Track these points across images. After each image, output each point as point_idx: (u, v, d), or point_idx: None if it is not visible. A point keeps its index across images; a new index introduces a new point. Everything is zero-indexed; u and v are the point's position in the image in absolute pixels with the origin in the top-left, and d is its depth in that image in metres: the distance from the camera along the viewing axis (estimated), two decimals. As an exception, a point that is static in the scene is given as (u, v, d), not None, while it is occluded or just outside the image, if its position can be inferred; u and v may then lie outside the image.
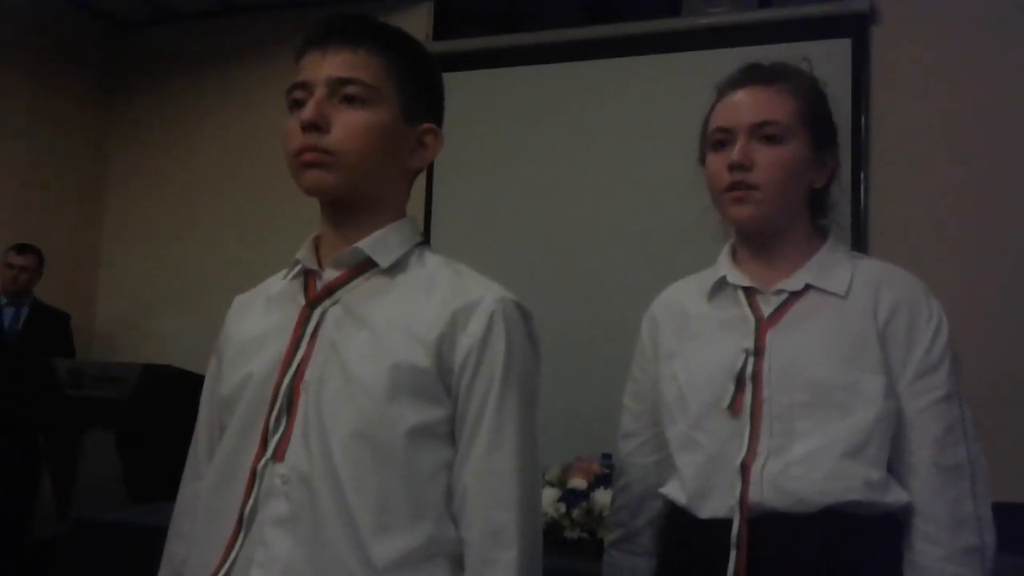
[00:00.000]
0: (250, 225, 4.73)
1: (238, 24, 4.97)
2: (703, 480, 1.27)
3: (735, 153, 1.29)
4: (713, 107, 1.38)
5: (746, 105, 1.31)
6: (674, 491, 1.32)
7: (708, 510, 1.26)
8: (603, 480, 2.39)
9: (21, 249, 4.27)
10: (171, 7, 5.01)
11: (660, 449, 1.41)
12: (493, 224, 3.86)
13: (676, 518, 1.33)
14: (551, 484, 2.41)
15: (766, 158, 1.29)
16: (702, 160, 1.39)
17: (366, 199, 1.11)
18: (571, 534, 2.29)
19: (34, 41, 4.87)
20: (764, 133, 1.29)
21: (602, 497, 2.33)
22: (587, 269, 3.73)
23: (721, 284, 1.37)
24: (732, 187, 1.30)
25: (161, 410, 3.12)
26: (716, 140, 1.34)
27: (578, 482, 2.41)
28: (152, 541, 2.31)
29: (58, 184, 5.01)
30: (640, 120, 3.74)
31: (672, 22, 3.87)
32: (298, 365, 1.07)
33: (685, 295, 1.43)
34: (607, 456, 2.52)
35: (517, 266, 3.48)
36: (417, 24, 4.19)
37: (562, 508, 2.33)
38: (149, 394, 3.16)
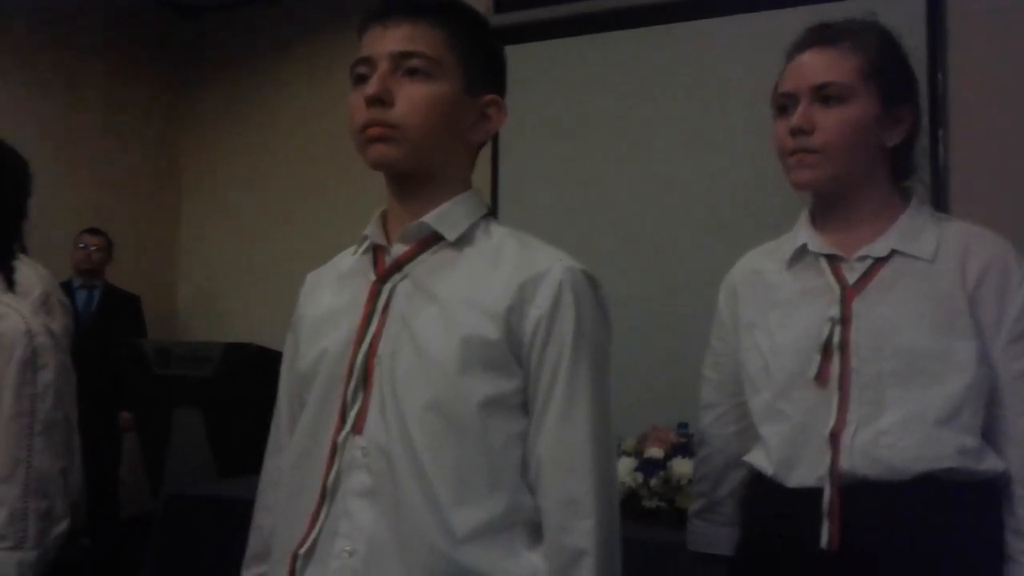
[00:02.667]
0: (323, 203, 4.80)
1: (305, 4, 5.02)
2: (790, 449, 1.26)
3: (795, 118, 1.28)
4: (782, 72, 1.36)
5: (807, 68, 1.30)
6: (759, 460, 1.31)
7: (796, 479, 1.25)
8: (680, 449, 2.39)
9: (91, 231, 4.40)
10: (236, -8, 5.08)
11: (741, 419, 1.41)
12: (560, 195, 3.83)
13: (761, 487, 1.32)
14: (627, 454, 2.42)
15: (826, 120, 1.27)
16: None
17: (430, 172, 1.12)
18: (649, 503, 2.30)
19: (109, 30, 5.00)
20: (824, 94, 1.27)
21: (680, 466, 2.32)
22: (659, 237, 3.68)
23: (801, 252, 1.34)
24: (793, 151, 1.29)
25: (244, 386, 3.20)
26: (780, 105, 1.33)
27: (655, 452, 2.41)
28: (242, 514, 2.39)
29: (136, 169, 5.17)
30: (709, 85, 3.65)
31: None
32: (371, 340, 1.09)
33: (763, 263, 1.41)
34: (683, 425, 2.51)
35: (586, 235, 3.45)
36: (478, -3, 4.18)
37: (639, 478, 2.33)
38: (232, 372, 3.24)
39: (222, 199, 5.22)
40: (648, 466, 2.36)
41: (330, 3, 4.89)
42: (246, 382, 3.20)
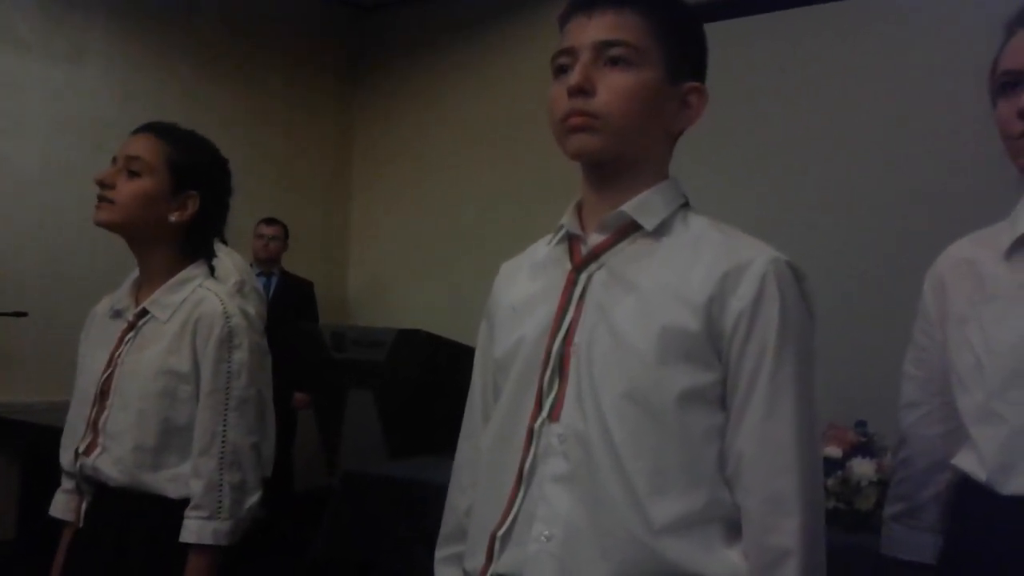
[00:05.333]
0: (486, 198, 4.90)
1: (473, 1, 5.11)
2: (1007, 455, 1.18)
3: None
4: (1002, 47, 1.26)
5: None
6: (970, 464, 1.23)
7: (1013, 486, 1.17)
8: (860, 449, 2.29)
9: (269, 221, 4.65)
10: (406, -11, 5.24)
11: (947, 420, 1.32)
12: (751, 184, 3.71)
13: (971, 494, 1.24)
14: (804, 452, 2.33)
15: None
16: (993, 104, 1.28)
17: (630, 162, 1.10)
18: (826, 504, 2.20)
19: (286, 29, 5.28)
20: None
21: (859, 466, 2.23)
22: (842, 223, 3.52)
23: (1022, 241, 1.25)
24: (1022, 135, 1.19)
25: (414, 371, 3.30)
26: (1003, 83, 1.23)
27: (833, 451, 2.31)
28: (413, 493, 2.49)
29: (312, 161, 5.43)
30: (915, 60, 3.44)
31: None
32: (567, 328, 1.09)
33: (976, 253, 1.31)
34: (861, 423, 2.41)
35: (783, 224, 3.33)
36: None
37: (817, 478, 2.25)
38: (403, 356, 3.34)
39: (391, 190, 5.41)
40: (826, 465, 2.26)
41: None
42: (416, 367, 3.30)
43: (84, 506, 1.58)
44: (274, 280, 4.66)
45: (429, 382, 3.22)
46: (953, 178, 3.11)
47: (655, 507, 1.00)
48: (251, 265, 4.49)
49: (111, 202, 1.54)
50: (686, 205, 1.14)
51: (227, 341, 1.53)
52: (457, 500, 1.26)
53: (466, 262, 4.64)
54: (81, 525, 1.59)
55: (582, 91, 1.06)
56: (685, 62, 1.11)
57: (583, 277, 1.11)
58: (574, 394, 1.06)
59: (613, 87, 1.06)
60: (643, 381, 1.03)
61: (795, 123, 3.69)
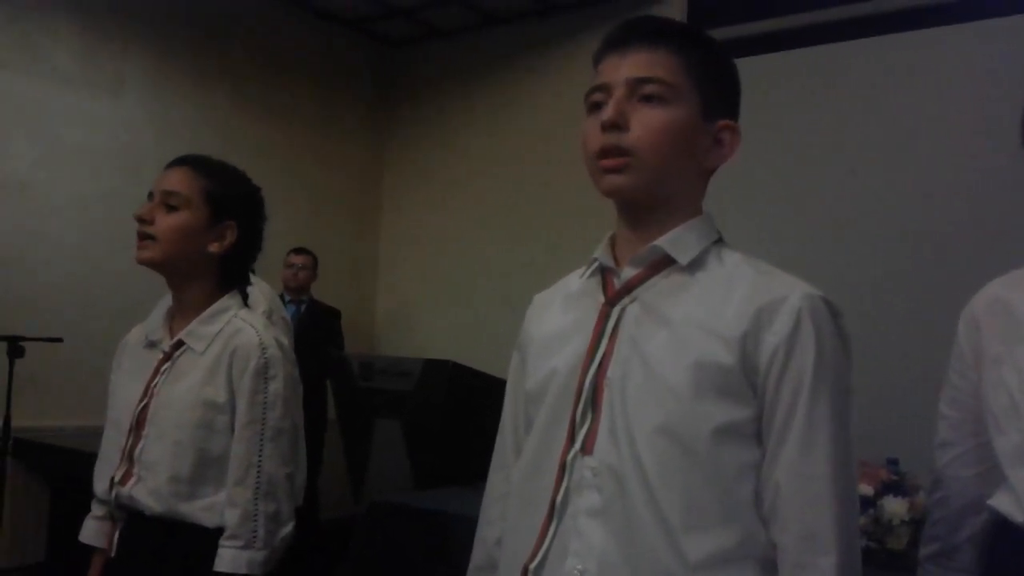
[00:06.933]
0: (513, 228, 4.93)
1: (498, 36, 5.19)
2: None
3: None
4: None
5: None
6: (1007, 506, 1.21)
7: None
8: (891, 487, 2.26)
9: (298, 251, 4.70)
10: (435, 25, 5.33)
11: (983, 461, 1.31)
12: (778, 219, 3.71)
13: (1008, 536, 1.22)
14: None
15: None
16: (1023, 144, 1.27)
17: (663, 199, 1.11)
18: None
19: (318, 61, 5.36)
20: None
21: (891, 505, 2.20)
22: (876, 262, 3.50)
23: None
24: None
25: (441, 401, 3.30)
26: None
27: (865, 489, 2.28)
28: (438, 524, 2.47)
29: (341, 194, 5.49)
30: (930, 98, 3.45)
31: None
32: (600, 361, 1.09)
33: (1011, 293, 1.30)
34: (893, 462, 2.37)
35: (817, 261, 3.32)
36: (671, 15, 4.17)
37: (848, 516, 2.22)
38: (431, 387, 3.34)
39: (419, 222, 5.46)
40: (857, 504, 2.24)
41: (525, 32, 5.04)
42: (443, 397, 3.30)
43: (117, 533, 1.59)
44: (302, 308, 4.70)
45: (456, 412, 3.21)
46: (990, 214, 3.08)
47: (689, 542, 1.00)
48: (281, 295, 4.55)
49: (152, 238, 1.55)
50: (720, 241, 1.15)
51: (263, 372, 1.54)
52: (487, 532, 1.26)
53: (492, 292, 4.66)
54: (114, 553, 1.60)
55: (615, 126, 1.07)
56: (719, 100, 1.12)
57: (616, 311, 1.11)
58: (607, 427, 1.06)
59: (646, 123, 1.07)
60: (677, 415, 1.03)
61: (824, 159, 3.69)
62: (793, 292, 1.05)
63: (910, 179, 3.49)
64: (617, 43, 1.11)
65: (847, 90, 3.70)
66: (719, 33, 4.04)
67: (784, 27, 3.91)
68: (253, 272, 1.75)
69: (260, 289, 2.66)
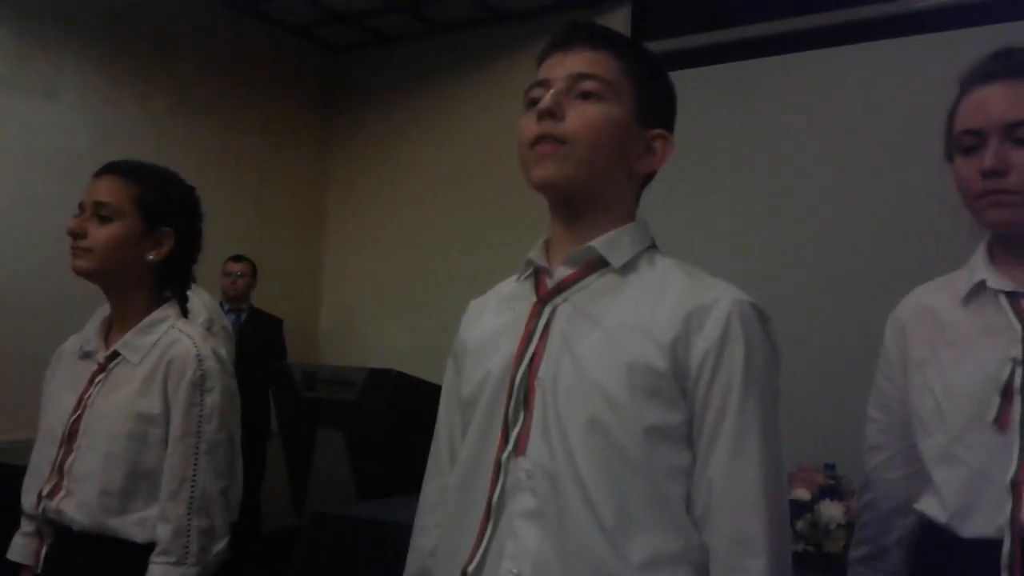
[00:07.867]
0: (458, 238, 4.92)
1: (443, 44, 5.19)
2: (966, 497, 1.20)
3: (987, 159, 1.20)
4: (957, 103, 1.28)
5: (996, 103, 1.21)
6: (931, 508, 1.25)
7: (972, 529, 1.18)
8: (828, 491, 2.30)
9: (237, 258, 4.62)
10: (380, 31, 5.30)
11: (910, 463, 1.34)
12: (709, 227, 3.76)
13: (933, 537, 1.26)
14: (772, 495, 2.34)
15: (1022, 161, 1.18)
16: (948, 157, 1.31)
17: (594, 197, 1.12)
18: (795, 547, 2.22)
19: (261, 68, 5.30)
20: (1019, 136, 1.19)
21: (828, 509, 2.24)
22: (807, 269, 3.58)
23: (979, 288, 1.28)
24: (986, 193, 1.21)
25: (385, 411, 3.28)
26: (965, 145, 1.24)
27: (801, 493, 2.32)
28: (382, 534, 2.46)
29: (285, 201, 5.43)
30: (868, 111, 3.53)
31: (890, 6, 3.65)
32: (530, 360, 1.09)
33: (935, 299, 1.34)
34: (830, 466, 2.42)
35: (751, 267, 3.36)
36: (615, 27, 4.22)
37: (785, 520, 2.26)
38: (374, 396, 3.32)
39: (364, 229, 5.42)
40: (794, 508, 2.28)
41: (470, 41, 5.04)
42: (386, 406, 3.28)
43: (44, 550, 1.55)
44: (243, 317, 4.64)
45: (400, 422, 3.19)
46: (920, 224, 3.17)
47: (622, 544, 1.00)
48: (220, 303, 4.48)
49: (87, 251, 1.51)
50: (653, 247, 1.16)
51: (199, 385, 1.50)
52: (422, 541, 1.25)
53: (437, 302, 4.64)
54: (40, 570, 1.55)
55: (551, 114, 1.08)
56: (654, 108, 1.14)
57: (547, 309, 1.11)
58: (540, 428, 1.06)
59: (583, 115, 1.08)
60: (609, 414, 1.03)
61: (759, 172, 3.76)
62: (722, 297, 1.06)
63: (845, 192, 3.58)
64: (561, 42, 1.13)
65: (787, 101, 3.77)
66: (665, 45, 4.13)
67: (733, 39, 3.98)
68: (193, 280, 1.72)
69: (201, 299, 2.61)
